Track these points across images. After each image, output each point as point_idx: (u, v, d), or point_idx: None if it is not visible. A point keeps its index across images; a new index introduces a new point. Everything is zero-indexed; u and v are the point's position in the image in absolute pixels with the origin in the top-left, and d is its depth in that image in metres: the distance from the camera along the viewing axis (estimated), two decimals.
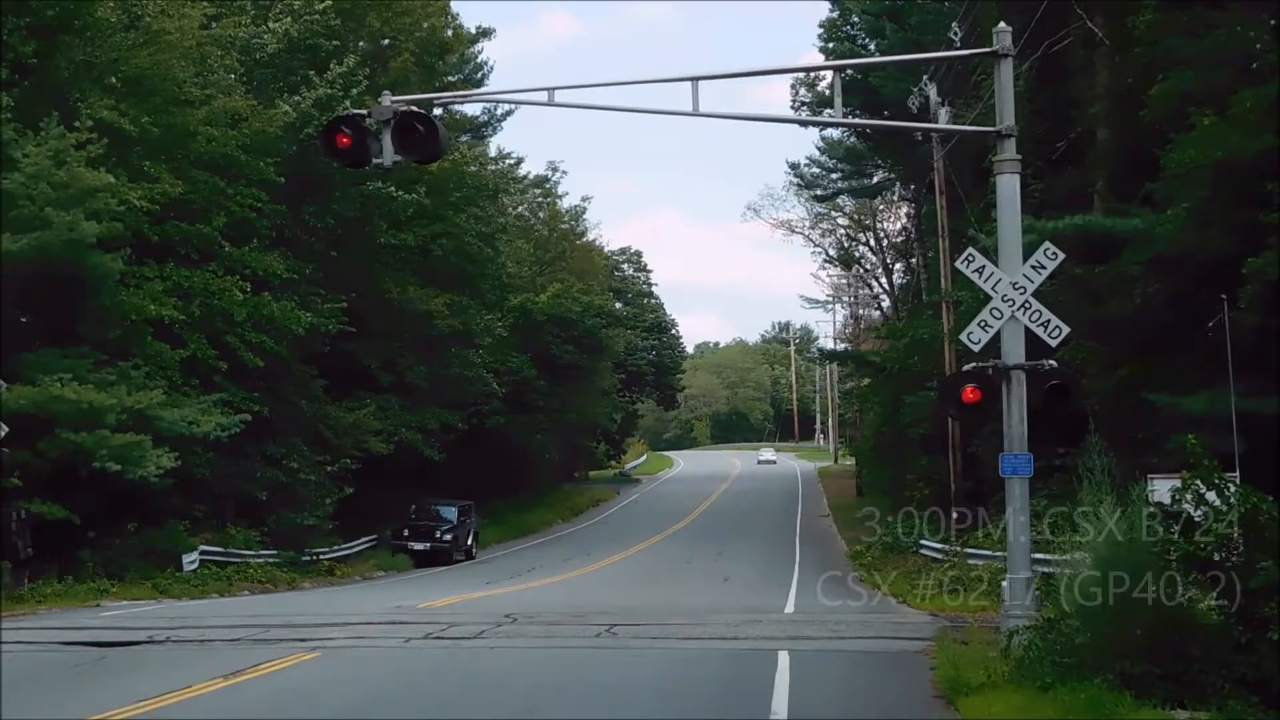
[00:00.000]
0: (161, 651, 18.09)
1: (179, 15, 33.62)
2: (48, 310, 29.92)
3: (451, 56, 50.97)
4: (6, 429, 24.55)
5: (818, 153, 66.47)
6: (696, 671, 15.76)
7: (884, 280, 76.69)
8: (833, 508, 63.89)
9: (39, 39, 29.63)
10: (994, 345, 15.03)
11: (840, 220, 78.20)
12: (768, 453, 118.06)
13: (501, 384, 53.00)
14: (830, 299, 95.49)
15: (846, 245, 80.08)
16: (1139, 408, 21.93)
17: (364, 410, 41.32)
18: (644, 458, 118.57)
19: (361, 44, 44.47)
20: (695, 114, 16.38)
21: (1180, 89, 20.75)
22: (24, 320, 30.30)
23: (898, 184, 59.78)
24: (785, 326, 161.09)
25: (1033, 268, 14.93)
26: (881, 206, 71.39)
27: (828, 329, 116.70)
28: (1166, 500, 12.28)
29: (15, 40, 28.91)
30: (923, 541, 34.37)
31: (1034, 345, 14.93)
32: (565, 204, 78.67)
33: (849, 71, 35.65)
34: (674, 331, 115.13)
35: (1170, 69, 21.25)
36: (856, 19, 47.97)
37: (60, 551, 28.88)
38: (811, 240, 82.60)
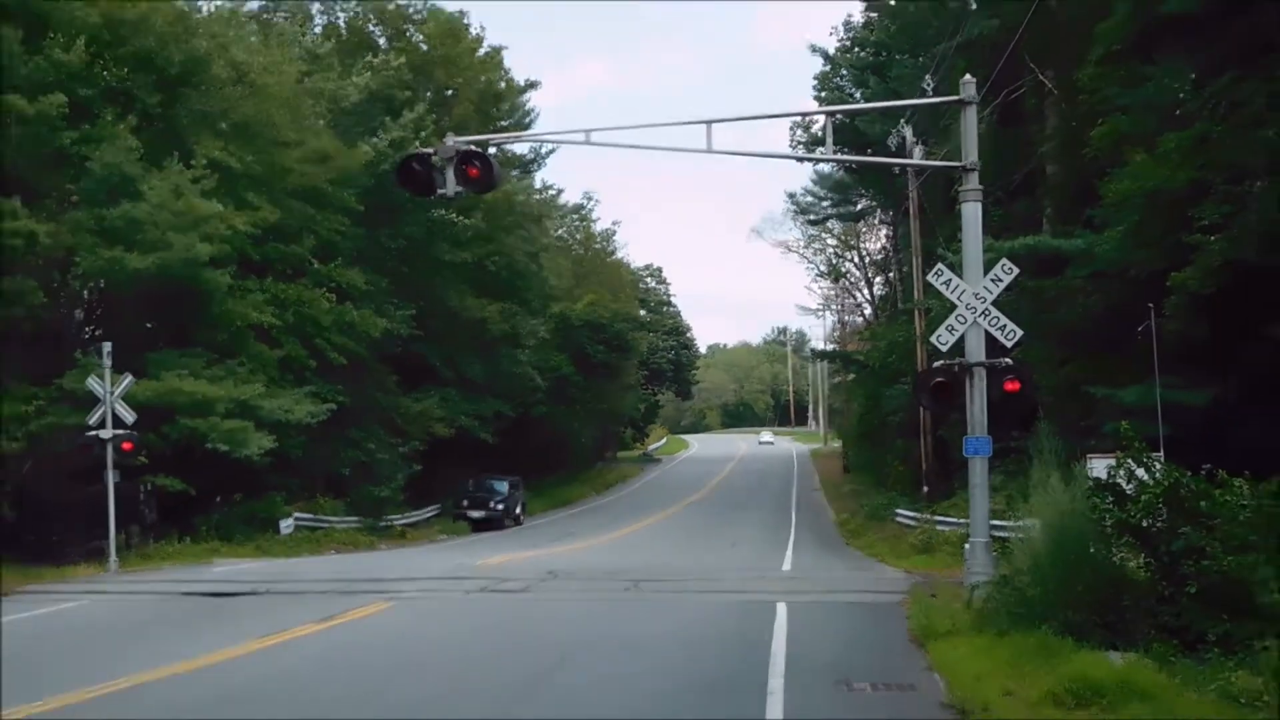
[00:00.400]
0: (264, 601, 18.32)
1: (278, 72, 33.89)
2: (168, 317, 30.27)
3: (504, 104, 51.00)
4: (135, 416, 24.82)
5: (811, 184, 66.15)
6: (709, 618, 15.81)
7: (866, 291, 76.30)
8: (823, 483, 63.61)
9: (163, 92, 29.85)
10: (959, 346, 15.07)
11: (830, 241, 77.73)
12: (767, 435, 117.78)
13: (544, 379, 53.06)
14: (821, 307, 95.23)
15: (835, 262, 79.64)
16: (1081, 398, 21.89)
17: (429, 400, 41.51)
18: (664, 440, 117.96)
19: (429, 94, 44.60)
20: (709, 151, 16.35)
21: (1117, 131, 20.74)
22: (149, 326, 30.66)
23: (878, 210, 59.43)
24: (783, 330, 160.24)
25: (992, 280, 14.94)
26: (864, 229, 70.94)
27: (819, 332, 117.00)
28: (1103, 476, 12.31)
29: (144, 93, 29.19)
30: (898, 511, 34.34)
31: (993, 345, 14.97)
32: (598, 228, 78.48)
33: (838, 116, 35.73)
34: (689, 334, 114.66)
35: (1108, 114, 21.24)
36: (845, 72, 47.82)
37: (179, 517, 29.19)
38: (805, 257, 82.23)
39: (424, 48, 46.58)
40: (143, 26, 29.34)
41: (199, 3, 34.57)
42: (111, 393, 24.39)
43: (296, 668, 12.37)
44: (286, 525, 31.71)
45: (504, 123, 49.21)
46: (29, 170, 27.24)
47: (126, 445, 24.67)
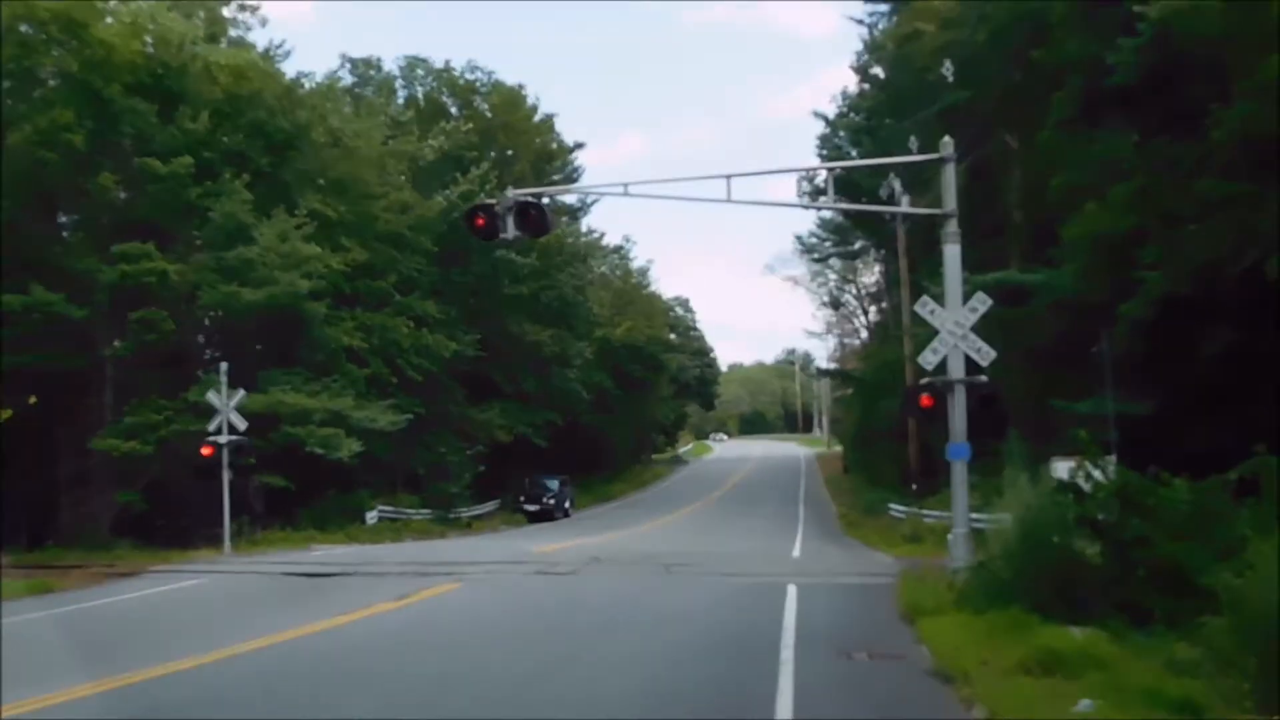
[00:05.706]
0: (353, 580, 18.39)
1: (367, 136, 34.37)
2: (275, 341, 30.58)
3: (555, 162, 51.37)
4: (247, 424, 25.06)
5: (815, 228, 66.06)
6: (730, 597, 15.70)
7: (863, 318, 75.79)
8: (826, 481, 63.03)
9: (272, 154, 30.34)
10: (942, 365, 15.00)
11: (831, 275, 77.34)
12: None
13: (589, 393, 53.01)
14: (824, 332, 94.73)
15: (836, 293, 79.29)
16: (1044, 409, 21.70)
17: (492, 411, 41.63)
18: (691, 445, 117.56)
19: (493, 154, 45.02)
20: (729, 201, 16.28)
21: (1072, 184, 20.66)
22: (259, 348, 31.00)
23: (872, 249, 59.16)
24: (792, 351, 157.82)
25: (969, 310, 14.86)
26: (861, 265, 70.38)
27: (823, 353, 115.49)
28: (1065, 477, 12.20)
29: (256, 155, 29.68)
30: (890, 506, 34.07)
31: (970, 364, 14.89)
32: (635, 265, 78.12)
33: (838, 171, 35.43)
34: (712, 355, 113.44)
35: (1064, 170, 21.17)
36: (843, 134, 47.75)
37: (283, 509, 29.40)
38: (811, 289, 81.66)
39: (489, 115, 47.08)
40: (256, 100, 29.86)
41: (302, 80, 35.19)
42: (228, 404, 24.67)
43: (384, 636, 12.40)
44: (372, 516, 31.87)
45: (555, 178, 49.53)
46: (162, 219, 27.72)
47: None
